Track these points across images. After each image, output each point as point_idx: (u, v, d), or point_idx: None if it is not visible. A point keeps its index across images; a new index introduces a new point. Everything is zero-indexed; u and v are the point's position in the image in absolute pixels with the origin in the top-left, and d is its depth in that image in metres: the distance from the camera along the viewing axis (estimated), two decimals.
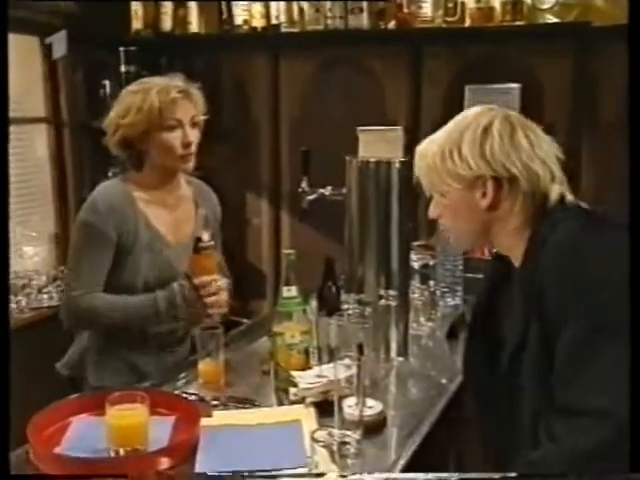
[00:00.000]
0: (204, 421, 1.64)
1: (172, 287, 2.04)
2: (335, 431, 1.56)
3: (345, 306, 2.05)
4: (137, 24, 3.86)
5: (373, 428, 1.65)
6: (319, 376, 1.76)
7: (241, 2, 3.75)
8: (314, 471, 1.45)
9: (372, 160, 2.07)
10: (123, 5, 3.84)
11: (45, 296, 3.43)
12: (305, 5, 3.65)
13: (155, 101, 2.04)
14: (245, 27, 3.77)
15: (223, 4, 3.82)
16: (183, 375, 2.02)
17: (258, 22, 3.73)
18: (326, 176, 2.21)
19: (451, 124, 1.49)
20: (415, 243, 2.50)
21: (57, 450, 1.55)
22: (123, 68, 3.59)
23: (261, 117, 3.94)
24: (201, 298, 2.03)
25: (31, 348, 2.73)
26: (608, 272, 1.30)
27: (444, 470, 1.98)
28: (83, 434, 1.61)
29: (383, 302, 2.06)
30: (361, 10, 3.51)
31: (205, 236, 2.03)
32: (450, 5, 3.37)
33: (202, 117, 2.14)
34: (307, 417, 1.67)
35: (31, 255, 3.49)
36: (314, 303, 2.01)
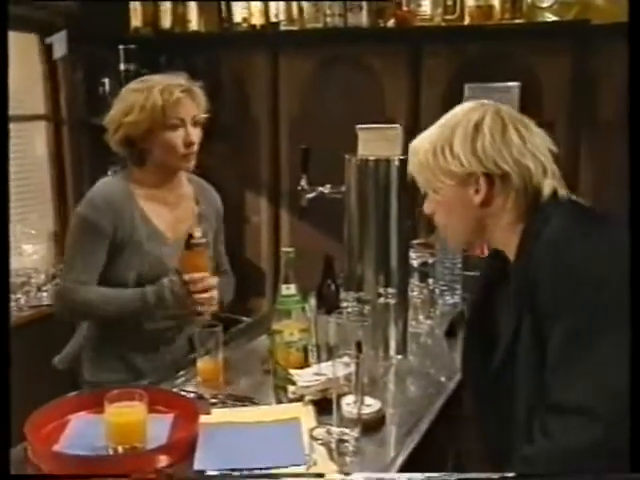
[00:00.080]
0: (203, 419, 1.64)
1: (162, 282, 2.05)
2: (334, 429, 1.56)
3: (344, 304, 2.05)
4: (136, 22, 3.86)
5: (372, 426, 1.65)
6: (318, 374, 1.76)
7: (241, 0, 3.75)
8: (312, 468, 1.45)
9: (371, 158, 2.07)
10: (123, 3, 3.84)
11: (44, 294, 3.43)
12: (304, 3, 3.65)
13: (158, 100, 2.04)
14: (244, 25, 3.77)
15: (222, 2, 3.82)
16: (182, 373, 2.02)
17: (257, 20, 3.73)
18: (325, 174, 2.21)
19: (443, 120, 1.49)
20: (414, 241, 2.50)
21: (56, 448, 1.55)
22: (122, 66, 3.60)
23: (260, 115, 3.93)
24: (190, 294, 2.04)
25: (30, 346, 2.72)
26: (601, 267, 1.29)
27: (443, 468, 1.98)
28: (82, 432, 1.61)
29: (382, 300, 2.06)
30: (360, 8, 3.50)
31: (197, 233, 2.04)
32: (449, 3, 3.36)
33: (203, 115, 2.14)
34: (306, 415, 1.68)
35: (30, 253, 3.50)
36: (313, 301, 2.01)
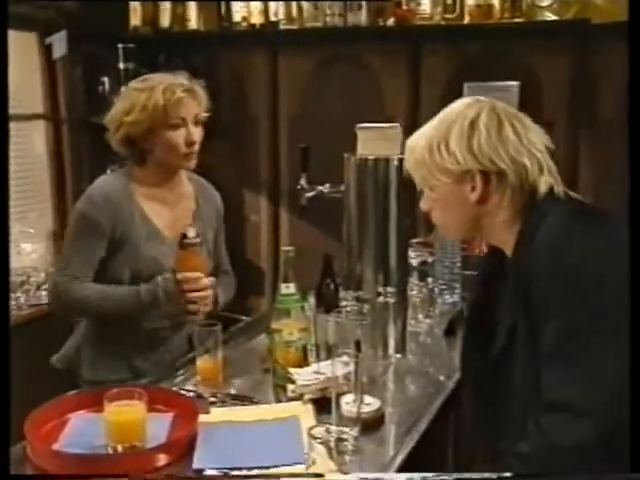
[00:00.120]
0: (202, 418, 1.64)
1: (156, 280, 2.06)
2: (333, 428, 1.56)
3: (343, 303, 2.05)
4: (136, 21, 3.86)
5: (371, 425, 1.65)
6: (317, 373, 1.76)
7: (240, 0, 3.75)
8: (311, 467, 1.45)
9: (371, 157, 2.06)
10: (122, 2, 3.84)
11: (43, 293, 3.42)
12: (304, 2, 3.65)
13: (160, 99, 2.04)
14: (244, 24, 3.77)
15: (222, 1, 3.82)
16: (181, 372, 2.02)
17: (257, 19, 3.73)
18: (325, 173, 2.21)
19: (439, 117, 1.49)
20: (413, 240, 2.50)
21: (55, 447, 1.55)
22: (122, 65, 3.59)
23: (260, 114, 3.93)
24: (183, 293, 2.04)
25: (29, 345, 2.72)
26: (601, 266, 1.30)
27: (442, 467, 1.99)
28: (81, 431, 1.61)
29: (381, 299, 2.06)
30: (360, 7, 3.50)
31: (191, 233, 2.03)
32: (449, 2, 3.36)
33: (205, 114, 2.14)
34: (305, 414, 1.68)
35: (29, 252, 3.50)
36: (312, 300, 2.01)
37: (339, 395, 1.57)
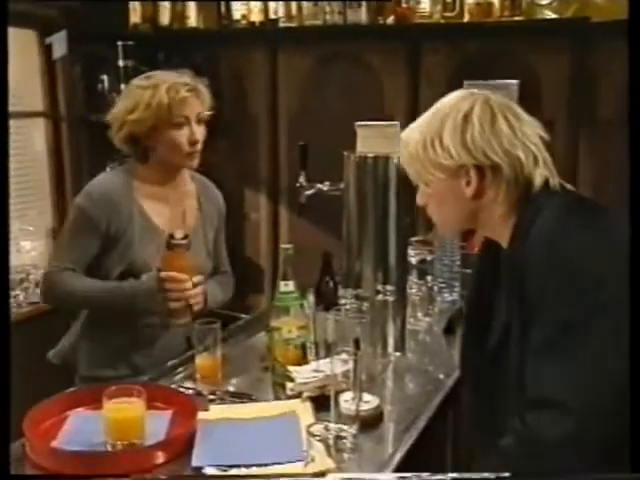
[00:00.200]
0: (201, 415, 1.64)
1: (142, 277, 2.06)
2: (332, 425, 1.56)
3: (342, 301, 2.05)
4: (135, 18, 3.86)
5: (370, 423, 1.65)
6: (316, 371, 1.76)
7: None
8: (310, 465, 1.45)
9: (370, 155, 2.06)
10: (122, 0, 3.84)
11: None
12: (304, 0, 3.65)
13: (164, 98, 2.04)
14: (243, 22, 3.77)
15: None
16: (180, 369, 2.02)
17: (256, 17, 3.73)
18: (324, 171, 2.21)
19: (432, 110, 1.48)
20: (413, 238, 2.50)
21: (54, 444, 1.55)
22: (121, 63, 3.59)
23: (259, 112, 3.93)
24: (165, 292, 2.03)
25: (29, 342, 2.72)
26: (593, 259, 1.29)
27: (440, 465, 1.99)
28: (80, 428, 1.61)
29: (380, 297, 2.06)
30: (360, 5, 3.50)
31: (178, 234, 2.01)
32: (449, 0, 3.37)
33: (208, 113, 2.14)
34: (304, 411, 1.68)
35: (28, 249, 3.50)
36: (311, 298, 2.01)
37: (338, 393, 1.57)
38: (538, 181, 1.41)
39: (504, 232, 1.44)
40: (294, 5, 3.68)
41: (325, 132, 3.25)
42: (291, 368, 1.80)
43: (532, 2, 3.29)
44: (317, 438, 1.55)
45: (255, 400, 1.80)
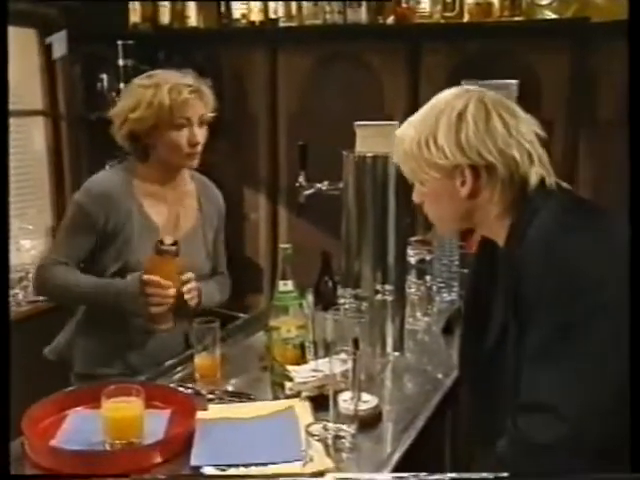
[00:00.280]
0: (199, 415, 1.64)
1: (127, 277, 2.06)
2: (330, 425, 1.56)
3: (341, 301, 2.05)
4: (135, 18, 3.86)
5: (368, 422, 1.65)
6: (315, 370, 1.76)
7: None
8: (309, 464, 1.45)
9: (369, 155, 2.06)
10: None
11: None
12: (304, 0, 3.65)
13: (166, 99, 2.03)
14: (243, 21, 3.78)
15: None
16: (179, 369, 2.02)
17: (256, 16, 3.73)
18: (323, 171, 2.21)
19: (428, 107, 1.47)
20: (412, 238, 2.50)
21: (52, 443, 1.55)
22: (121, 62, 3.59)
23: (259, 111, 3.93)
24: (145, 296, 2.01)
25: (28, 341, 2.72)
26: (591, 260, 1.28)
27: (439, 465, 1.99)
28: (79, 427, 1.61)
29: (379, 297, 2.06)
30: (360, 5, 3.51)
31: (167, 240, 2.00)
32: (449, 1, 3.37)
33: (210, 114, 2.13)
34: (302, 411, 1.68)
35: (28, 248, 3.49)
36: (310, 297, 2.01)
37: (337, 392, 1.57)
38: (534, 180, 1.40)
39: (501, 231, 1.44)
40: (294, 5, 3.68)
41: (325, 132, 3.25)
42: (290, 368, 1.80)
43: (532, 2, 3.29)
44: (316, 438, 1.55)
45: (254, 399, 1.80)
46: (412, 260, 2.47)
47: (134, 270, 2.06)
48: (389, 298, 2.07)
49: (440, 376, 1.99)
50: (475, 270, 1.63)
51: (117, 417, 1.52)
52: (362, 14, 3.51)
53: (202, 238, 2.24)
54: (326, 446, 1.53)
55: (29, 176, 3.70)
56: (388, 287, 2.07)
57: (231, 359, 2.04)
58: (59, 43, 3.54)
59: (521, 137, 1.40)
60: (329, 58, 3.73)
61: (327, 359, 1.68)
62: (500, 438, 1.35)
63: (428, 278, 2.54)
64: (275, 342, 1.86)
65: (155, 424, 1.59)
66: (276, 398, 1.81)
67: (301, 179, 2.27)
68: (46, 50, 3.62)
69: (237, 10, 3.78)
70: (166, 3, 3.85)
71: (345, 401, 1.58)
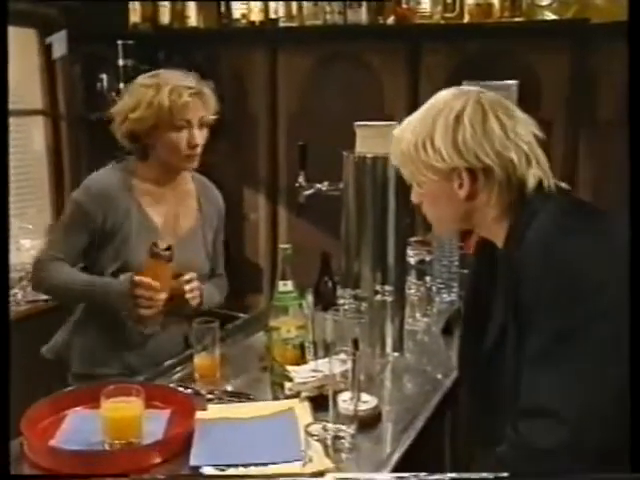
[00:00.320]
0: (199, 414, 1.64)
1: (120, 276, 2.06)
2: (330, 425, 1.56)
3: (341, 301, 2.05)
4: (135, 18, 3.86)
5: (368, 423, 1.65)
6: (314, 371, 1.77)
7: None
8: (308, 465, 1.45)
9: (369, 155, 2.06)
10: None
11: None
12: (304, 0, 3.65)
13: (165, 100, 2.03)
14: (243, 21, 3.77)
15: None
16: (179, 369, 2.02)
17: (256, 16, 3.73)
18: (323, 171, 2.21)
19: (426, 107, 1.46)
20: (412, 239, 2.50)
21: (52, 443, 1.55)
22: (121, 62, 3.59)
23: (259, 111, 3.93)
24: (134, 297, 2.01)
25: (27, 340, 2.72)
26: (590, 262, 1.28)
27: (439, 465, 1.99)
28: (78, 427, 1.61)
29: (379, 297, 2.06)
30: (360, 5, 3.51)
31: (161, 244, 2.00)
32: (449, 1, 3.37)
33: (212, 117, 2.13)
34: (302, 411, 1.68)
35: (28, 248, 3.49)
36: (310, 298, 2.01)
37: (336, 393, 1.57)
38: (531, 182, 1.39)
39: (499, 233, 1.44)
40: (294, 5, 3.68)
41: (325, 132, 3.24)
42: (289, 368, 1.80)
43: (532, 3, 3.29)
44: (315, 438, 1.55)
45: (253, 400, 1.80)
46: (412, 261, 2.47)
47: (133, 270, 2.06)
48: (389, 299, 2.07)
49: (439, 376, 1.99)
50: (475, 271, 1.63)
51: (116, 417, 1.52)
52: (362, 14, 3.51)
53: (202, 238, 2.24)
54: (326, 446, 1.53)
55: (29, 176, 3.70)
56: (388, 288, 2.07)
57: (231, 359, 2.03)
58: (59, 43, 3.54)
59: (519, 139, 1.39)
60: (329, 58, 3.73)
61: (327, 359, 1.68)
62: (500, 440, 1.35)
63: (428, 279, 2.55)
64: (275, 342, 1.86)
65: (154, 424, 1.59)
66: (276, 398, 1.81)
67: (301, 179, 2.28)
68: (46, 50, 3.63)
69: (237, 10, 3.77)
70: (166, 3, 3.85)
71: (345, 401, 1.58)
